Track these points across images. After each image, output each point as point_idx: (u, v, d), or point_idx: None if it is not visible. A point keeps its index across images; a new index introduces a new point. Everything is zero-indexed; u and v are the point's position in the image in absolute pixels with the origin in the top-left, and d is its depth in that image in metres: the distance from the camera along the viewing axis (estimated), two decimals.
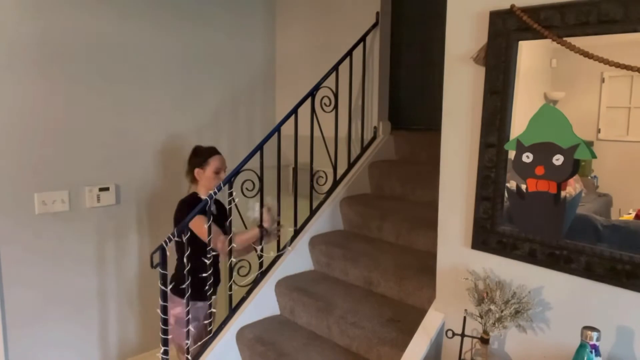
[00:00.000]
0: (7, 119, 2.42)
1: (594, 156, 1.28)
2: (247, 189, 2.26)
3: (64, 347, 2.71)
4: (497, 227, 1.47)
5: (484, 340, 1.47)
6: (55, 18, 2.52)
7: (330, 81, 2.60)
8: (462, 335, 1.51)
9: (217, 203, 2.39)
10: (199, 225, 2.20)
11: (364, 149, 2.90)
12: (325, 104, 2.60)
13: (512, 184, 1.44)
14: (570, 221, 1.33)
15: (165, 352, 2.13)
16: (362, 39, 2.80)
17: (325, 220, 2.64)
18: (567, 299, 1.37)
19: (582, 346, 1.19)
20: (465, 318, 1.51)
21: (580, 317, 1.32)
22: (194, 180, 2.39)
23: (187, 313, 2.12)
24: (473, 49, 1.49)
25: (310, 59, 3.24)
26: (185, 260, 2.09)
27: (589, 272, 1.30)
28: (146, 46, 2.86)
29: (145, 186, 2.94)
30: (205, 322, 2.23)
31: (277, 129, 2.36)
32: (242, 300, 2.32)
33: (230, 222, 2.27)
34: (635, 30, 1.18)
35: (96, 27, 2.66)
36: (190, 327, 2.15)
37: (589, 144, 1.29)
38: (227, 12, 3.23)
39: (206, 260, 2.14)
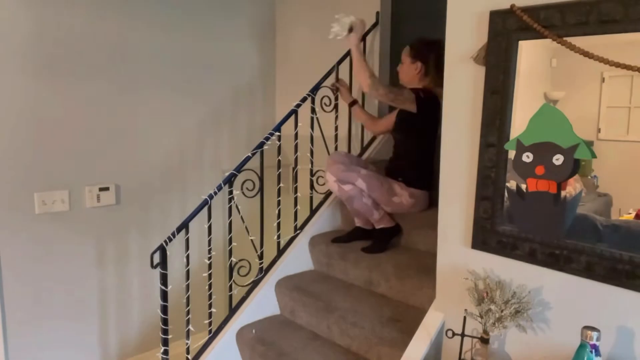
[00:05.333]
0: (7, 118, 2.42)
1: (594, 156, 1.28)
2: (247, 188, 2.26)
3: (64, 347, 2.71)
4: (497, 227, 1.47)
5: (484, 340, 1.47)
6: (55, 17, 2.52)
7: (330, 81, 2.60)
8: (462, 335, 1.51)
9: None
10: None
11: (364, 149, 2.90)
12: (325, 103, 2.61)
13: (512, 184, 1.44)
14: (570, 221, 1.33)
15: (165, 352, 2.13)
16: (362, 39, 2.80)
17: (325, 220, 2.64)
18: (567, 299, 1.37)
19: (582, 346, 1.19)
20: (465, 318, 1.51)
21: (580, 317, 1.32)
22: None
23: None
24: (473, 49, 1.49)
25: (311, 59, 3.24)
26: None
27: (589, 272, 1.30)
28: (146, 46, 2.86)
29: (145, 186, 2.94)
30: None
31: (277, 129, 2.36)
32: (242, 300, 2.33)
33: (230, 222, 2.27)
34: (635, 30, 1.18)
35: (96, 27, 2.66)
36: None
37: (589, 144, 1.29)
38: (227, 12, 3.22)
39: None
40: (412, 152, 2.41)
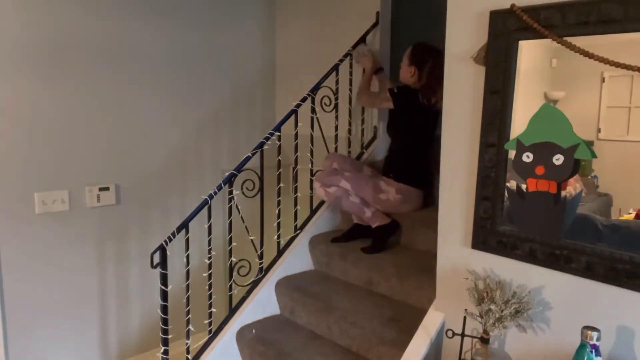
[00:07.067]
0: (8, 118, 2.42)
1: (594, 156, 1.28)
2: (247, 188, 2.26)
3: (64, 347, 2.71)
4: (497, 227, 1.47)
5: (484, 340, 1.47)
6: (56, 18, 2.52)
7: (331, 81, 2.60)
8: (462, 335, 1.51)
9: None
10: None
11: (364, 149, 2.90)
12: (325, 103, 2.61)
13: (512, 184, 1.44)
14: (571, 221, 1.33)
15: (165, 352, 2.13)
16: (362, 39, 2.80)
17: (325, 220, 2.64)
18: (567, 299, 1.37)
19: (582, 346, 1.19)
20: (465, 318, 1.51)
21: (580, 317, 1.32)
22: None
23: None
24: (473, 49, 1.49)
25: (310, 59, 3.24)
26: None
27: (589, 271, 1.30)
28: (146, 46, 2.86)
29: (145, 186, 2.94)
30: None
31: (277, 129, 2.36)
32: (242, 300, 2.33)
33: (230, 222, 2.27)
34: (635, 30, 1.18)
35: (96, 27, 2.66)
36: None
37: (589, 144, 1.29)
38: (227, 12, 3.22)
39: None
40: (400, 149, 2.49)
